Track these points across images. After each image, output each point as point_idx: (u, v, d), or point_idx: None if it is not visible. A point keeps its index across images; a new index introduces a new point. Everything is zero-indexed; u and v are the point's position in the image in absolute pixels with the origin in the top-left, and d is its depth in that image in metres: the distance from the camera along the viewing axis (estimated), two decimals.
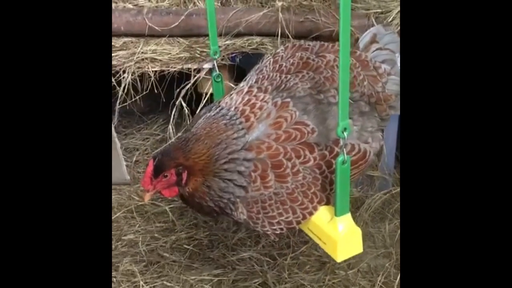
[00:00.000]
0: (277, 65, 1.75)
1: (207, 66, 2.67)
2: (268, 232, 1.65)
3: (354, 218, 2.57)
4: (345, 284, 2.19)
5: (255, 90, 1.67)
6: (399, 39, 1.86)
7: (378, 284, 2.17)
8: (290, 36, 2.65)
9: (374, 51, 1.79)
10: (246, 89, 1.69)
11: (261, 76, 1.73)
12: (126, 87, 2.63)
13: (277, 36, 2.65)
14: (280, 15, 2.63)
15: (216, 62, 2.05)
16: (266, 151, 1.55)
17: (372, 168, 2.77)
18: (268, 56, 1.83)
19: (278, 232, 1.65)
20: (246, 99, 1.65)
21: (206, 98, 2.65)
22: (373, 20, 2.55)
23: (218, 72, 2.05)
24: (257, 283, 2.21)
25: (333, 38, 2.65)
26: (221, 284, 2.22)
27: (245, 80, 1.79)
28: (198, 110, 2.56)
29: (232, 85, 2.59)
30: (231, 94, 1.72)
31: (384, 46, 1.81)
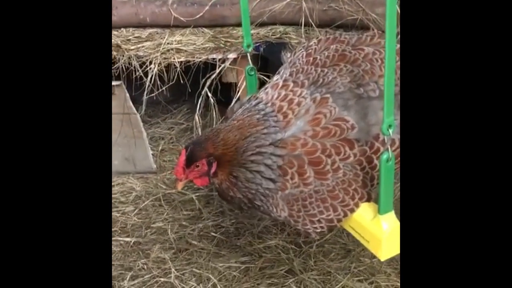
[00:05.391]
0: (311, 58, 1.69)
1: (231, 56, 2.70)
2: (309, 230, 1.64)
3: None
4: (370, 271, 2.22)
5: (291, 84, 1.64)
6: None
7: None
8: (313, 25, 2.65)
9: None
10: (281, 83, 1.66)
11: (295, 69, 1.68)
12: (153, 78, 2.67)
13: (301, 25, 2.66)
14: (304, 4, 2.63)
15: (250, 55, 1.97)
16: (301, 147, 1.54)
17: None
18: (300, 49, 1.77)
19: (319, 230, 1.64)
20: (282, 94, 1.62)
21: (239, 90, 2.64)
22: None
23: (251, 65, 1.97)
24: (284, 270, 2.25)
25: (356, 26, 2.65)
26: (249, 271, 2.27)
27: (278, 73, 1.75)
28: (232, 104, 2.54)
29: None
30: (266, 88, 1.69)
31: None
